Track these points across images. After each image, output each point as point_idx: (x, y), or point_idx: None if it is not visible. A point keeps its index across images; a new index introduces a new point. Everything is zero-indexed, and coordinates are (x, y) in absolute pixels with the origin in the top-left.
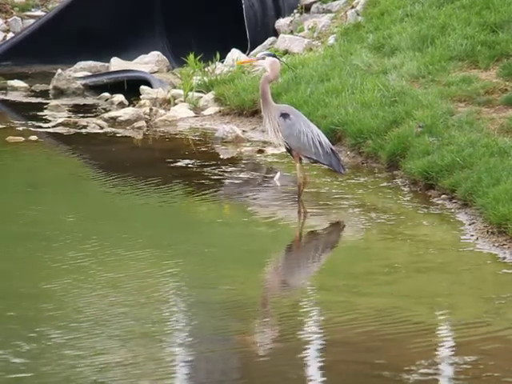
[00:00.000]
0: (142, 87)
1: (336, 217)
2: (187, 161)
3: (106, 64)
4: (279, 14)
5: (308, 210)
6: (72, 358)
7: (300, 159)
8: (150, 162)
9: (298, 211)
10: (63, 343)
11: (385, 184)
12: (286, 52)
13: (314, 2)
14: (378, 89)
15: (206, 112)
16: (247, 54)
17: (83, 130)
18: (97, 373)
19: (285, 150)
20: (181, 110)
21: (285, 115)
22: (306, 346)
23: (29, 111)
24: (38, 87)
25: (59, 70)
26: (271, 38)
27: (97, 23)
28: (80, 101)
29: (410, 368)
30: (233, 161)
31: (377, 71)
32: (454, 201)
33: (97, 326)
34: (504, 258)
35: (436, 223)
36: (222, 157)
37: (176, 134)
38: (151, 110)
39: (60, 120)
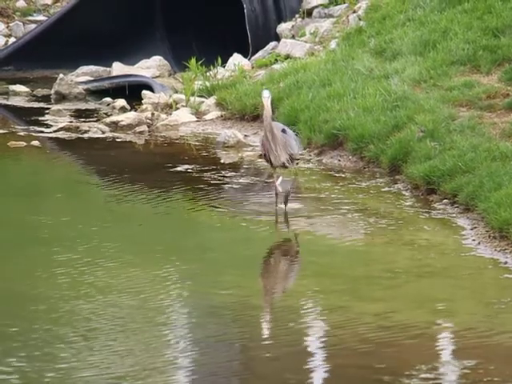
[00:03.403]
0: (144, 92)
1: (337, 221)
2: (188, 166)
3: (108, 69)
4: (281, 19)
5: (308, 215)
6: (70, 359)
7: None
8: (151, 166)
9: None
10: (63, 345)
11: (386, 189)
12: (287, 56)
13: (316, 7)
14: (379, 93)
15: (207, 117)
16: (249, 59)
17: (85, 135)
18: (96, 374)
19: (283, 162)
20: (182, 115)
21: (283, 130)
22: (306, 350)
23: (30, 116)
24: (40, 92)
25: (61, 75)
26: (273, 43)
27: (98, 28)
28: (82, 105)
29: (411, 372)
30: (234, 166)
31: (378, 76)
32: (455, 205)
33: (96, 327)
34: (506, 263)
35: (437, 228)
36: (223, 162)
37: (177, 139)
38: (153, 114)
39: (62, 125)
